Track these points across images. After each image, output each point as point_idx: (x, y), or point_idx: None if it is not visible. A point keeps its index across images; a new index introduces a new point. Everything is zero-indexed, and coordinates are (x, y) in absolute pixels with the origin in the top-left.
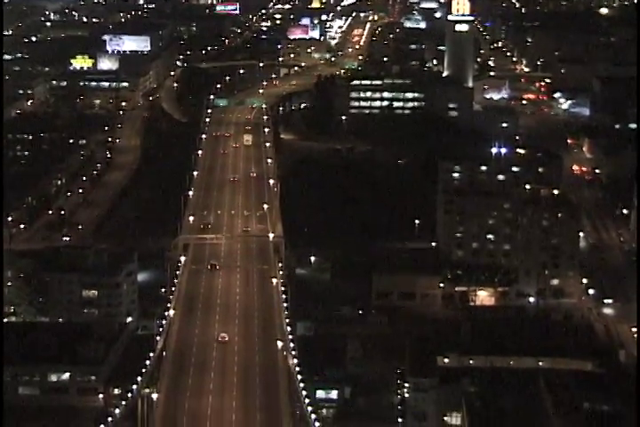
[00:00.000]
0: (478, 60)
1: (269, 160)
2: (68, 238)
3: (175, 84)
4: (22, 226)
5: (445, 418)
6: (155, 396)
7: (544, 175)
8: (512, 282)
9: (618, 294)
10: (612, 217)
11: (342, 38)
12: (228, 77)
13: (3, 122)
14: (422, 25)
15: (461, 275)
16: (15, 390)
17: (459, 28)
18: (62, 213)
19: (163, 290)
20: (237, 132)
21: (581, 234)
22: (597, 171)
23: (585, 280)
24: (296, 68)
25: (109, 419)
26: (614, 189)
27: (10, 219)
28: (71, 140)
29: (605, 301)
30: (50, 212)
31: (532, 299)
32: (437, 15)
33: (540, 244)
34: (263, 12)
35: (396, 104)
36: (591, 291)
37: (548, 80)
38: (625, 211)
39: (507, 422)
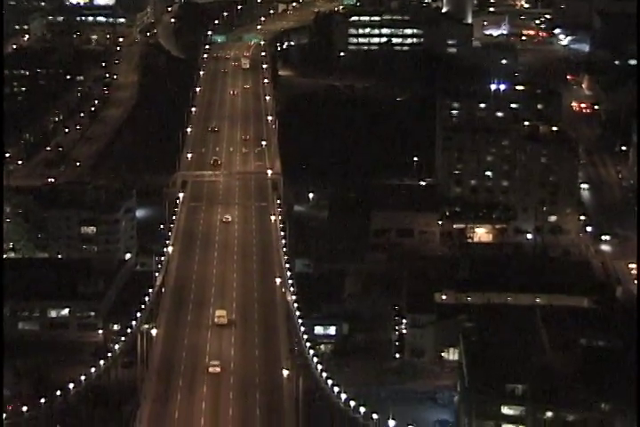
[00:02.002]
0: None
1: (267, 97)
2: (65, 175)
3: (172, 20)
4: (20, 162)
5: (443, 354)
6: (154, 331)
7: (543, 112)
8: (510, 219)
9: (615, 231)
10: (611, 153)
11: None
12: (225, 13)
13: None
14: None
15: (460, 212)
16: (15, 326)
17: None
18: (60, 149)
19: (161, 227)
20: (235, 68)
21: (580, 171)
22: (597, 107)
23: (583, 217)
24: (294, 4)
25: (109, 354)
26: (613, 125)
27: (8, 155)
28: (68, 76)
29: (603, 237)
30: (48, 148)
31: (529, 236)
32: None
33: (539, 180)
34: None
35: (394, 40)
36: (589, 228)
37: (547, 16)
38: (624, 147)
39: (504, 358)
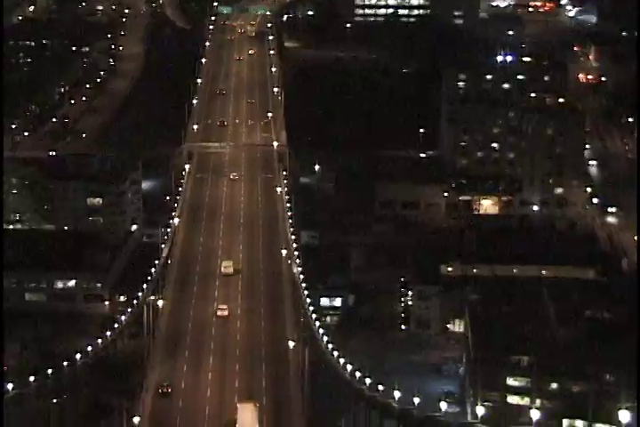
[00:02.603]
0: None
1: (273, 68)
2: (71, 146)
3: None
4: (26, 134)
5: (448, 325)
6: (160, 303)
7: (549, 83)
8: (516, 191)
9: (622, 203)
10: (618, 125)
11: None
12: None
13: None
14: None
15: (465, 184)
16: (21, 297)
17: None
18: (66, 120)
19: (167, 198)
20: (241, 36)
21: (586, 142)
22: (603, 79)
23: (589, 189)
24: None
25: (115, 325)
26: (620, 96)
27: (14, 126)
28: (74, 48)
29: (609, 209)
30: (54, 119)
31: (535, 208)
32: None
33: (545, 152)
34: None
35: (401, 12)
36: (595, 200)
37: None
38: (631, 119)
39: (509, 330)
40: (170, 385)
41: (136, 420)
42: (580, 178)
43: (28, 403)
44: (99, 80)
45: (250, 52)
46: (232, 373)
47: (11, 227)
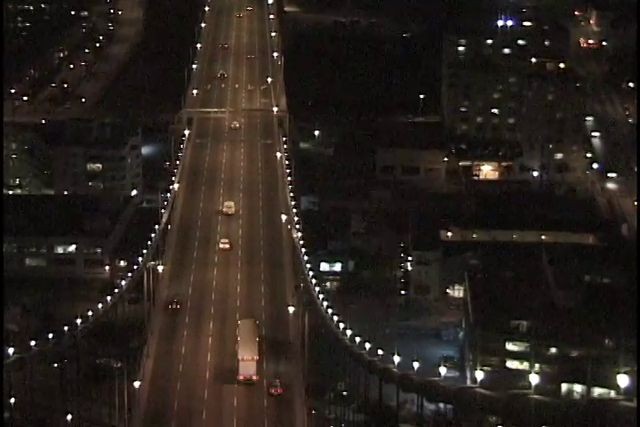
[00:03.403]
0: None
1: (273, 33)
2: (71, 111)
3: None
4: (25, 98)
5: (448, 291)
6: (160, 268)
7: (550, 48)
8: (516, 156)
9: (622, 169)
10: (619, 90)
11: None
12: None
13: None
14: None
15: (466, 149)
16: (22, 262)
17: None
18: (65, 85)
19: (167, 164)
20: (240, 4)
21: (586, 108)
22: (604, 43)
23: (589, 154)
24: None
25: (115, 290)
26: (621, 62)
27: (12, 91)
28: (72, 12)
29: (609, 175)
30: (53, 84)
31: (535, 173)
32: None
33: (546, 118)
34: None
35: None
36: (595, 165)
37: None
38: (631, 84)
39: (508, 295)
40: (179, 302)
41: (137, 384)
42: (579, 143)
43: (29, 367)
44: (98, 45)
45: (248, 8)
46: (231, 331)
47: (10, 192)
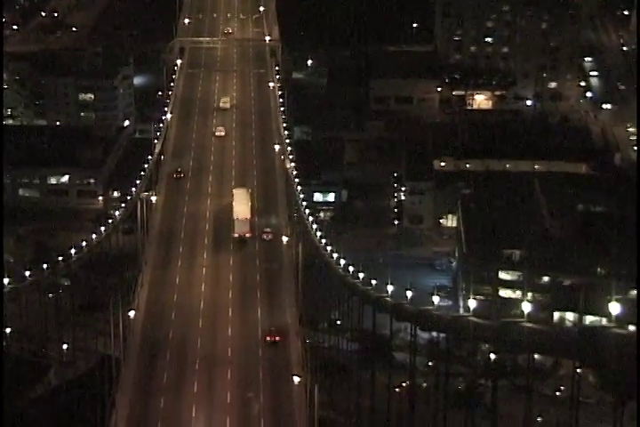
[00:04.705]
0: None
1: None
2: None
3: None
4: (15, 27)
5: (441, 220)
6: (154, 198)
7: None
8: (510, 85)
9: (616, 98)
10: (613, 18)
11: None
12: None
13: None
14: None
15: (459, 79)
16: (15, 193)
17: None
18: (56, 15)
19: (160, 94)
20: None
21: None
22: None
23: (583, 83)
24: None
25: (109, 221)
26: None
27: (3, 20)
28: None
29: (603, 106)
30: (43, 13)
31: (529, 102)
32: None
33: (539, 46)
34: None
35: None
36: (589, 94)
37: None
38: (626, 12)
39: (501, 224)
40: (182, 171)
41: (131, 314)
42: (574, 72)
43: (24, 297)
44: None
45: None
46: (226, 268)
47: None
